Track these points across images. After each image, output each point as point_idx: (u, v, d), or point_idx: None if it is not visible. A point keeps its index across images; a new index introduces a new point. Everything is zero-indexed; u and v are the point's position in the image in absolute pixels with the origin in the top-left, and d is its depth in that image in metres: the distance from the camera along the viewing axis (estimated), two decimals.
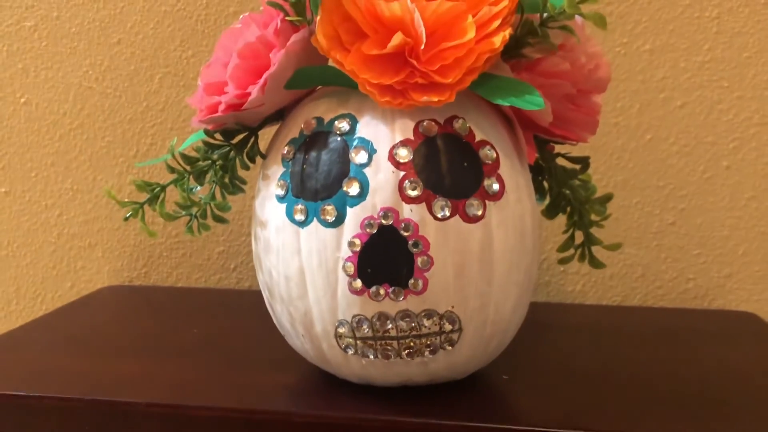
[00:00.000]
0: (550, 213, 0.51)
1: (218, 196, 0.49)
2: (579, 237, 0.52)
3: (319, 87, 0.47)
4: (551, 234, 0.70)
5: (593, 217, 0.51)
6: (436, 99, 0.40)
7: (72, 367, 0.53)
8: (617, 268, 0.71)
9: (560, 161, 0.50)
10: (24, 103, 0.75)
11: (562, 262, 0.52)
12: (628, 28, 0.68)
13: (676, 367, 0.54)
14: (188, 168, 0.47)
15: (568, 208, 0.51)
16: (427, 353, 0.43)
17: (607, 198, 0.50)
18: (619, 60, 0.68)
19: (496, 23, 0.41)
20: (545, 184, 0.51)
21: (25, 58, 0.75)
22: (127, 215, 0.47)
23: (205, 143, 0.48)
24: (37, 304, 0.79)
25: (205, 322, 0.64)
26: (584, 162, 0.50)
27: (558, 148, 0.51)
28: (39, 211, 0.77)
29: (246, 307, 0.69)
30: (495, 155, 0.43)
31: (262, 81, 0.42)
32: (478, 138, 0.43)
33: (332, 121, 0.43)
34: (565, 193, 0.50)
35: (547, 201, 0.51)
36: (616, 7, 0.68)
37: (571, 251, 0.52)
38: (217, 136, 0.48)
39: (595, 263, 0.51)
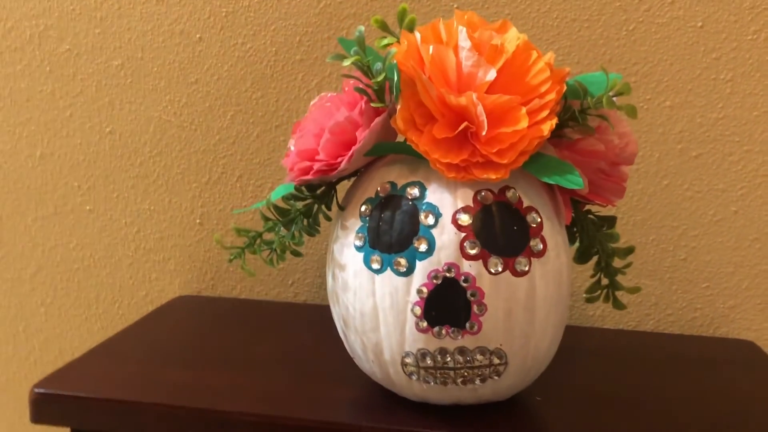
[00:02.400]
0: (581, 260, 0.60)
1: (297, 235, 0.58)
2: (604, 280, 0.61)
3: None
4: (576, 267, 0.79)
5: (616, 263, 0.60)
6: (494, 177, 0.49)
7: (168, 376, 0.62)
8: (633, 297, 0.80)
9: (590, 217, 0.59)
10: (109, 132, 0.85)
11: (590, 301, 0.61)
12: (651, 86, 0.76)
13: (683, 391, 0.63)
14: (280, 218, 0.56)
15: (596, 257, 0.60)
16: (477, 381, 0.52)
17: (630, 250, 0.59)
18: (642, 114, 0.77)
19: (545, 113, 0.50)
20: (576, 233, 0.60)
21: (112, 93, 0.84)
22: (231, 258, 0.56)
23: (292, 195, 0.57)
24: (115, 309, 0.89)
25: (274, 335, 0.73)
26: (611, 220, 0.58)
27: (589, 206, 0.59)
28: (119, 228, 0.87)
29: (306, 321, 0.78)
30: (539, 219, 0.52)
31: (350, 154, 0.51)
32: (525, 204, 0.52)
33: (405, 187, 0.52)
34: (594, 243, 0.59)
35: (577, 245, 0.60)
36: (641, 67, 0.76)
37: (598, 293, 0.61)
38: (303, 189, 0.57)
39: (618, 305, 0.60)
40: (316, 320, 0.77)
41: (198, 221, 0.85)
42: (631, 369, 0.68)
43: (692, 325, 0.80)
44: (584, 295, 0.61)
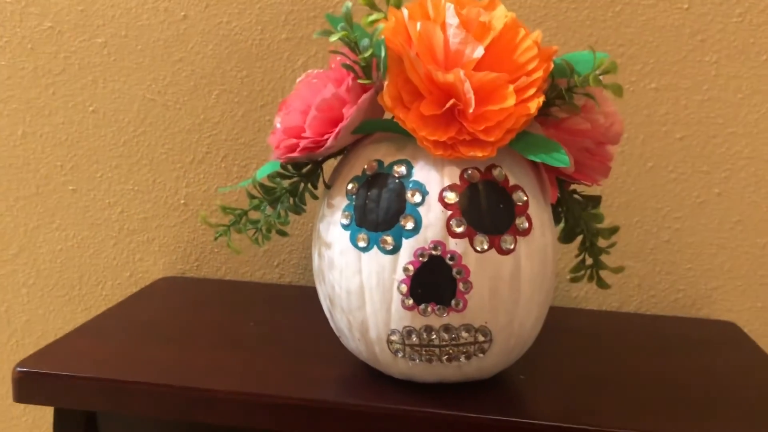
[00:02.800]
0: (566, 239, 0.60)
1: (282, 214, 0.58)
2: (588, 260, 0.61)
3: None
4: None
5: (601, 243, 0.60)
6: (480, 154, 0.49)
7: (152, 354, 0.62)
8: (617, 278, 0.80)
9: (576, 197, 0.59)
10: (92, 111, 0.84)
11: (574, 280, 0.61)
12: (637, 68, 0.76)
13: (665, 370, 0.63)
14: (266, 197, 0.56)
15: (581, 236, 0.60)
16: (462, 358, 0.52)
17: (614, 230, 0.59)
18: (627, 96, 0.77)
19: (532, 91, 0.50)
20: (561, 213, 0.60)
21: (95, 71, 0.83)
22: (217, 235, 0.56)
23: (278, 174, 0.57)
24: (98, 290, 0.88)
25: (259, 316, 0.73)
26: (596, 200, 0.59)
27: (574, 185, 0.60)
28: (102, 208, 0.86)
29: (291, 301, 0.78)
30: (525, 198, 0.52)
31: (336, 131, 0.51)
32: (511, 183, 0.52)
33: (391, 165, 0.52)
34: (579, 223, 0.59)
35: (562, 225, 0.60)
36: (627, 48, 0.76)
37: (582, 272, 0.61)
38: (289, 167, 0.57)
39: (602, 284, 0.60)
40: (302, 301, 0.77)
41: (182, 201, 0.85)
42: (614, 349, 0.68)
43: (675, 306, 0.81)
44: (569, 275, 0.61)
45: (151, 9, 0.80)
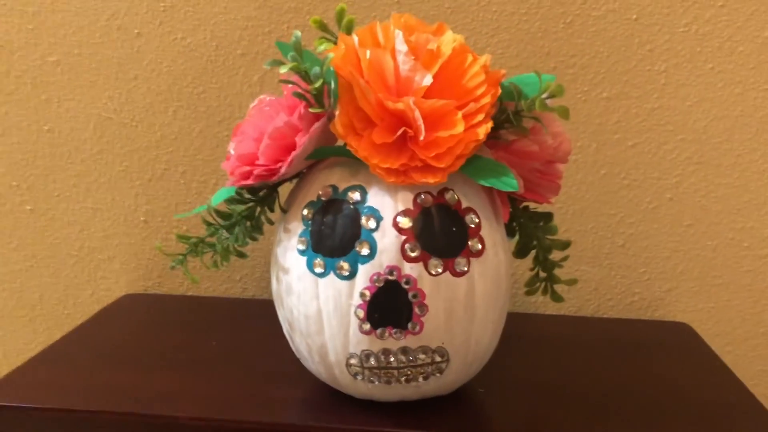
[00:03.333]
0: (519, 255, 0.61)
1: (240, 237, 0.58)
2: (542, 273, 0.62)
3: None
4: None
5: (554, 257, 0.62)
6: (432, 180, 0.50)
7: (115, 381, 0.62)
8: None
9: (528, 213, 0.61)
10: (47, 131, 0.83)
11: (529, 293, 0.63)
12: (588, 78, 0.78)
13: (621, 376, 0.65)
14: (222, 222, 0.56)
15: (534, 252, 0.61)
16: (420, 379, 0.53)
17: (567, 244, 0.61)
18: (580, 105, 0.78)
19: (480, 117, 0.51)
20: (515, 228, 0.61)
21: (49, 90, 0.82)
22: (173, 265, 0.56)
23: (234, 199, 0.57)
24: (60, 309, 0.88)
25: (223, 333, 0.73)
26: (548, 217, 0.60)
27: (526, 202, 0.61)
28: (61, 227, 0.85)
29: (254, 316, 0.78)
30: (477, 220, 0.53)
31: (290, 159, 0.51)
32: (464, 206, 0.53)
33: (346, 191, 0.53)
34: (532, 238, 0.61)
35: (516, 240, 0.62)
36: (579, 59, 0.77)
37: (537, 285, 0.63)
38: (245, 192, 0.57)
39: (556, 298, 0.62)
40: (265, 316, 0.77)
41: (143, 219, 0.84)
42: (572, 355, 0.70)
43: (630, 308, 0.83)
44: (524, 288, 0.62)
45: (104, 27, 0.80)
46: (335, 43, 0.55)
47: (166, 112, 0.82)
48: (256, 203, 0.57)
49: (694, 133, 0.78)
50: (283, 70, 0.50)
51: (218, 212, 0.56)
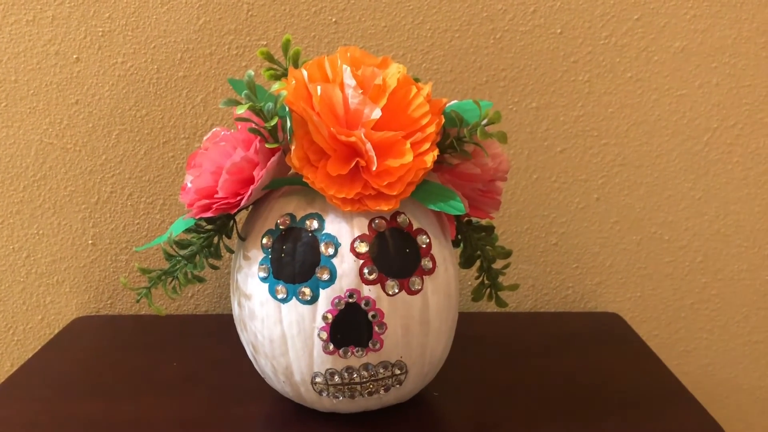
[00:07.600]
0: (465, 265, 0.65)
1: (198, 263, 0.60)
2: (487, 281, 0.67)
3: None
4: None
5: (497, 266, 0.66)
6: (386, 207, 0.53)
7: (80, 412, 0.63)
8: (513, 281, 0.87)
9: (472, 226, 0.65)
10: None
11: (475, 300, 0.67)
12: (518, 90, 0.82)
13: (561, 368, 0.71)
14: (182, 253, 0.58)
15: (479, 261, 0.66)
16: (382, 391, 0.57)
17: (508, 253, 0.65)
18: (512, 115, 0.83)
19: (427, 145, 0.54)
20: (461, 240, 0.66)
21: None
22: (138, 298, 0.58)
23: (192, 229, 0.59)
24: (9, 335, 0.87)
25: (179, 352, 0.74)
26: (490, 229, 0.64)
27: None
28: (6, 255, 0.85)
29: (209, 334, 0.80)
30: (428, 240, 0.57)
31: (249, 193, 0.54)
32: (415, 227, 0.56)
33: (304, 219, 0.56)
34: (476, 249, 0.65)
35: (461, 251, 0.66)
36: (509, 72, 0.82)
37: (482, 291, 0.67)
38: (203, 222, 0.59)
39: (500, 303, 0.66)
40: (220, 331, 0.79)
41: (90, 242, 0.85)
42: (515, 352, 0.75)
43: (565, 302, 0.89)
44: (471, 295, 0.67)
45: (42, 53, 0.79)
46: (283, 74, 0.58)
47: (109, 135, 0.82)
48: (215, 232, 0.60)
49: (616, 138, 0.84)
50: (240, 110, 0.52)
51: (177, 242, 0.58)
